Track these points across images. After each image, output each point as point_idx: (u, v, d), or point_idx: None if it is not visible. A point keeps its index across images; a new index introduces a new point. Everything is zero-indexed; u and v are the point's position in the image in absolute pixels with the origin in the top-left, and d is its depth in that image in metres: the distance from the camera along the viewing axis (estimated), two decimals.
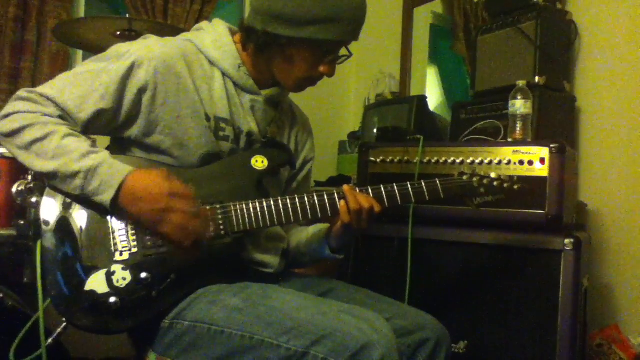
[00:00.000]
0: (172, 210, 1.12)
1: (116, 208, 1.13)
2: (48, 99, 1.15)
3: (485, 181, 1.31)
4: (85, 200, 1.14)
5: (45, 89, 1.17)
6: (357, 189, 1.25)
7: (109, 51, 1.23)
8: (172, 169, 1.23)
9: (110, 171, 1.11)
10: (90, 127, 1.20)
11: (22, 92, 1.17)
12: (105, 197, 1.11)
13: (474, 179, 1.31)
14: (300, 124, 1.49)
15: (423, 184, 1.28)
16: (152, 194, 1.11)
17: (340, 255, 1.38)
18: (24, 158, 1.13)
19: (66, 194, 1.15)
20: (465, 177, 1.31)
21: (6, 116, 1.14)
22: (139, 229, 1.16)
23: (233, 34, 1.33)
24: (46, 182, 1.17)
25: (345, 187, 1.25)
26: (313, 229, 1.44)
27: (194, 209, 1.14)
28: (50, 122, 1.13)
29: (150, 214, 1.12)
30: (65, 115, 1.17)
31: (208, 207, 1.19)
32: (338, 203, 1.24)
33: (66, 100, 1.16)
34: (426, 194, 1.28)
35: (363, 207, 1.22)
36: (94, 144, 1.17)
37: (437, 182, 1.29)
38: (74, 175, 1.10)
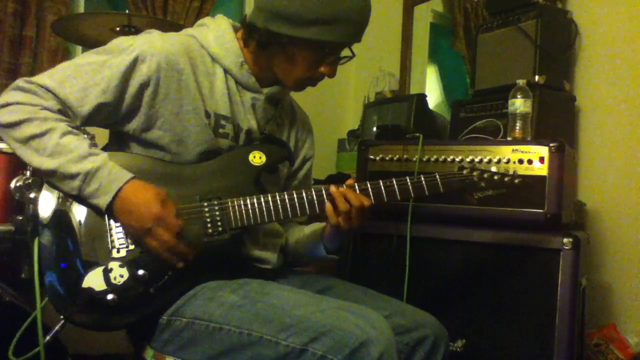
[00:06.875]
0: (152, 235, 1.12)
1: (110, 212, 1.13)
2: (48, 90, 1.14)
3: (485, 175, 1.28)
4: (80, 201, 1.14)
5: (45, 79, 1.14)
6: (356, 185, 1.24)
7: (111, 44, 1.21)
8: (171, 164, 1.23)
9: (109, 176, 1.11)
10: (89, 121, 1.19)
11: (20, 82, 1.14)
12: (102, 202, 1.11)
13: (475, 173, 1.28)
14: (300, 121, 1.48)
15: (422, 178, 1.26)
16: (141, 212, 1.11)
17: (335, 256, 1.36)
18: (21, 152, 1.12)
19: (62, 192, 1.15)
20: (465, 172, 1.29)
21: (4, 106, 1.12)
22: None
23: (236, 30, 1.31)
24: (43, 177, 1.17)
25: (332, 187, 1.21)
26: (309, 229, 1.42)
27: (172, 242, 1.12)
28: (50, 118, 1.12)
29: (134, 229, 1.12)
30: (65, 109, 1.15)
31: (206, 204, 1.19)
32: (324, 203, 1.22)
33: (67, 93, 1.14)
34: (425, 189, 1.26)
35: (352, 206, 1.19)
36: (92, 139, 1.17)
37: (437, 176, 1.27)
38: (73, 176, 1.10)
